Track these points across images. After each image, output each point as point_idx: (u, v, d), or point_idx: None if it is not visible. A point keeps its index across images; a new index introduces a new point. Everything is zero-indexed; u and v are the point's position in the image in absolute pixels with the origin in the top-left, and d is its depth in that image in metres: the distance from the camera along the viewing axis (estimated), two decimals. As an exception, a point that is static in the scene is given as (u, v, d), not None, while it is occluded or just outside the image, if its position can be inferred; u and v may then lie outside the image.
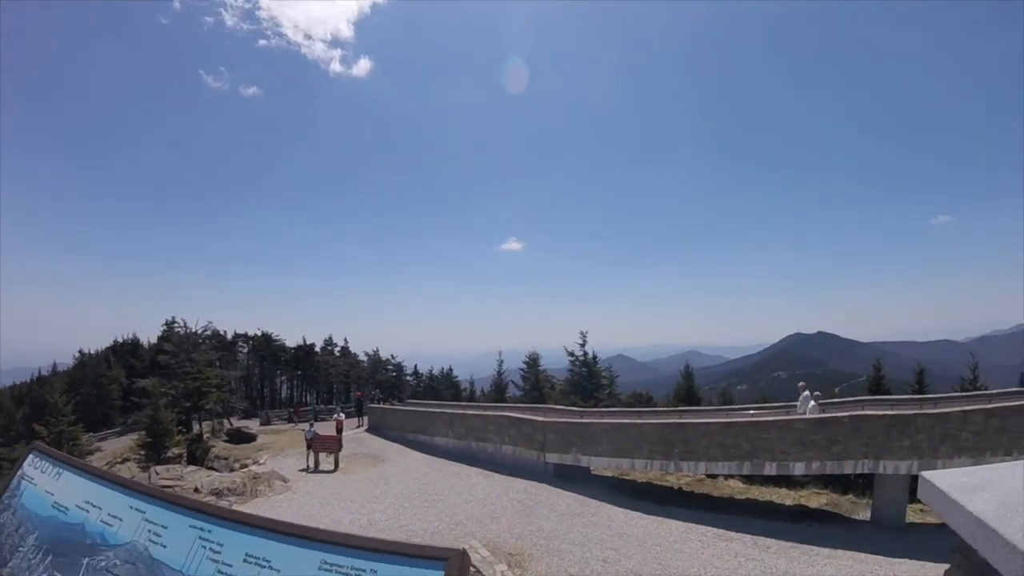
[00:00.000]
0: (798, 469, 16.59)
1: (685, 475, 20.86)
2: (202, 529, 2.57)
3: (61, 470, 3.26)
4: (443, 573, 2.06)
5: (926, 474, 2.35)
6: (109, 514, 2.87)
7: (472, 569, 10.86)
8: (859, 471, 16.51)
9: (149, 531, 2.69)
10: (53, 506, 3.10)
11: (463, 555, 2.10)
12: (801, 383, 21.60)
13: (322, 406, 57.54)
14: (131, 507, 2.82)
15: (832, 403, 22.75)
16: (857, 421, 15.87)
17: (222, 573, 2.43)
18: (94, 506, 2.95)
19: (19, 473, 3.40)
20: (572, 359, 39.80)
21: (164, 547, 2.61)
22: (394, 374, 68.25)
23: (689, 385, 38.22)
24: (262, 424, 47.94)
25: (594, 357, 39.68)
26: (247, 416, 55.01)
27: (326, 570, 2.20)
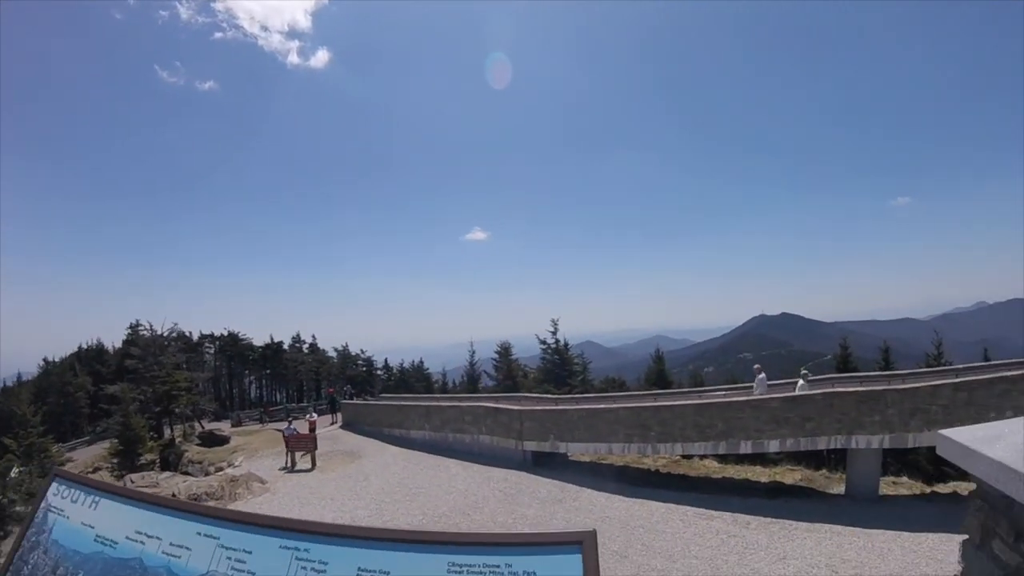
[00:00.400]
0: (773, 447, 16.86)
1: (662, 457, 21.11)
2: (296, 548, 2.25)
3: (98, 498, 2.80)
4: (581, 556, 1.97)
5: (945, 432, 2.62)
6: (172, 544, 2.47)
7: None
8: (832, 447, 16.85)
9: (229, 558, 2.33)
10: (97, 540, 2.65)
11: (594, 535, 2.03)
12: (756, 365, 22.30)
13: (294, 404, 57.23)
14: (199, 533, 2.45)
15: (820, 380, 23.11)
16: (829, 398, 16.15)
17: None
18: (150, 536, 2.53)
19: (43, 505, 2.91)
20: (544, 347, 39.96)
21: (254, 575, 2.28)
22: (364, 369, 67.95)
23: (660, 369, 38.65)
24: (233, 425, 47.50)
25: (565, 344, 39.87)
26: (217, 418, 54.40)
27: (456, 572, 2.04)
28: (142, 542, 2.56)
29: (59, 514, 2.85)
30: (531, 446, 20.51)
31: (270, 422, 46.45)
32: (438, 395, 42.16)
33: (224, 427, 46.29)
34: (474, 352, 47.91)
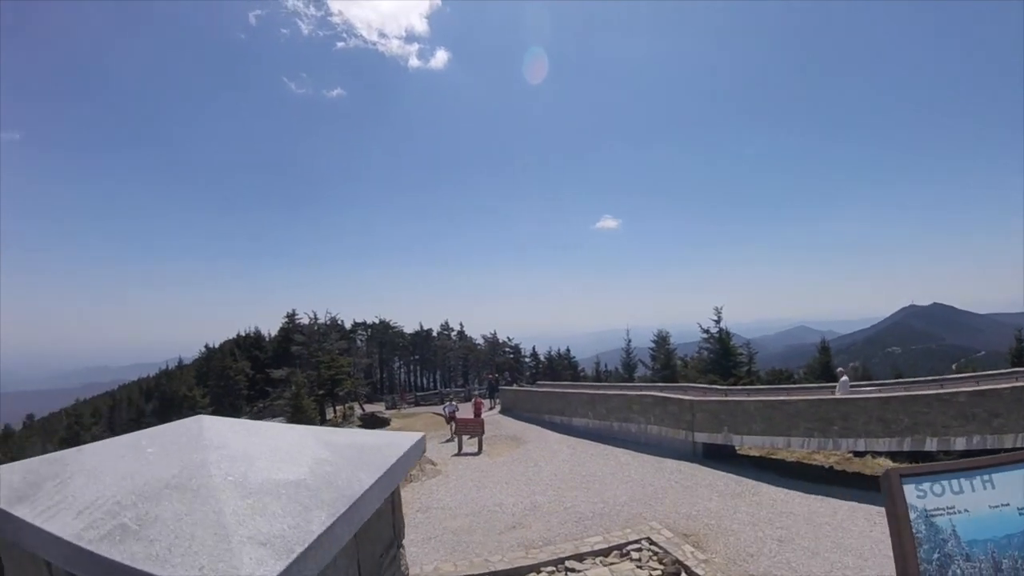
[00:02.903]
0: (959, 444, 16.18)
1: (833, 454, 20.58)
2: None
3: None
4: None
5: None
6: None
7: (659, 549, 11.49)
8: (1020, 444, 15.68)
9: None
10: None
11: None
12: (839, 368, 23.31)
13: (448, 389, 60.44)
14: None
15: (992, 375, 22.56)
16: (1018, 392, 15.34)
17: None
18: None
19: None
20: (706, 335, 39.84)
21: None
22: (512, 356, 70.52)
23: (826, 360, 37.78)
24: (388, 408, 51.03)
25: (727, 333, 39.61)
26: (369, 401, 58.24)
27: None
28: None
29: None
30: (703, 437, 20.66)
31: (403, 407, 49.68)
32: (602, 383, 42.54)
33: (377, 409, 49.92)
34: (630, 340, 48.17)
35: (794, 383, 33.69)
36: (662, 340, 44.06)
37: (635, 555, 11.52)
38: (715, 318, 39.81)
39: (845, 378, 22.56)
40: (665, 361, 42.54)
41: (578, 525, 13.84)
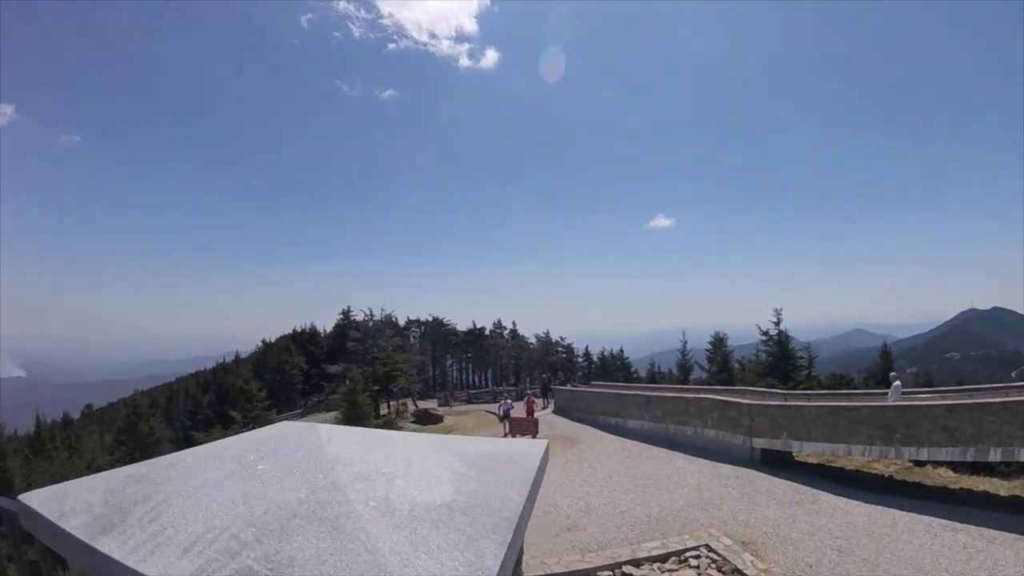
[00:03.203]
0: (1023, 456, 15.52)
1: (892, 463, 19.91)
2: None
3: None
4: None
5: None
6: None
7: (718, 557, 11.39)
8: None
9: None
10: None
11: None
12: (892, 373, 22.99)
13: (501, 388, 60.94)
14: None
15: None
16: None
17: None
18: None
19: None
20: (764, 338, 39.17)
21: None
22: (565, 356, 70.84)
23: (887, 366, 36.75)
24: (440, 405, 51.75)
25: (787, 336, 38.84)
26: (421, 397, 59.14)
27: None
28: None
29: None
30: (761, 443, 20.39)
31: (454, 405, 50.29)
32: (657, 385, 42.24)
33: (429, 406, 50.67)
34: (686, 342, 47.73)
35: (854, 388, 33.12)
36: (719, 342, 43.47)
37: (693, 562, 11.42)
38: (775, 320, 39.13)
39: (898, 383, 22.25)
40: (722, 363, 41.97)
41: (634, 529, 13.75)
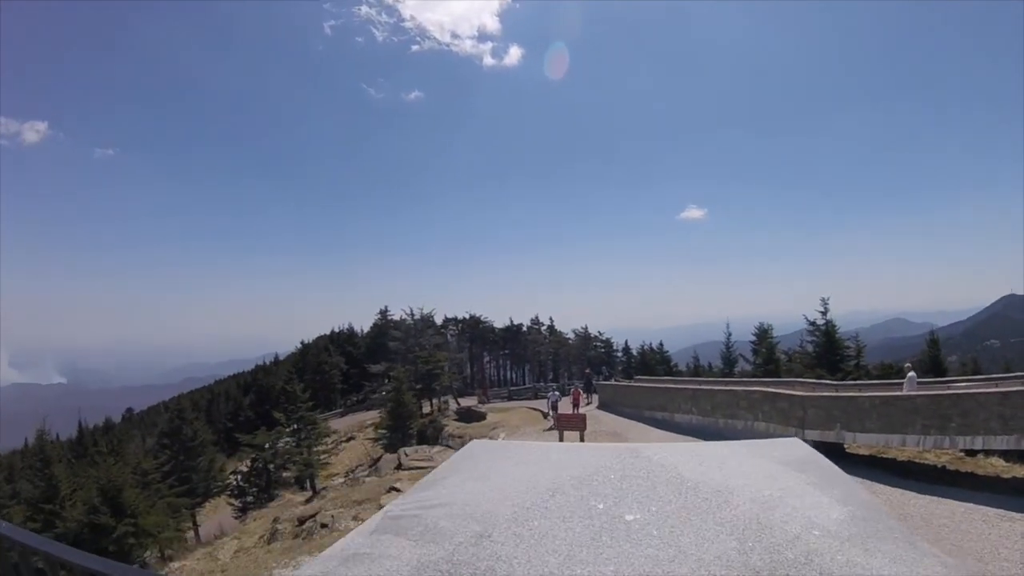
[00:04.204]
0: None
1: (945, 452, 20.02)
2: None
3: None
4: None
5: None
6: None
7: None
8: None
9: None
10: None
11: None
12: (908, 364, 23.15)
13: (541, 384, 61.34)
14: None
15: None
16: None
17: None
18: None
19: None
20: (811, 327, 38.61)
21: None
22: (603, 351, 71.00)
23: (934, 354, 36.43)
24: (479, 402, 52.25)
25: (834, 325, 38.01)
26: (460, 395, 59.76)
27: None
28: None
29: None
30: (814, 435, 20.00)
31: (487, 402, 50.76)
32: (704, 378, 41.89)
33: (468, 403, 51.27)
34: (730, 334, 47.36)
35: (902, 378, 32.74)
36: (763, 333, 43.11)
37: None
38: (821, 309, 38.48)
39: (912, 374, 22.31)
40: (767, 355, 41.51)
41: None
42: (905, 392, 19.89)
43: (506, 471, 3.01)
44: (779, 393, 22.37)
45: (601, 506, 2.33)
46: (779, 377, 33.62)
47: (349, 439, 46.54)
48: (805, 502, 2.36)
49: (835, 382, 28.90)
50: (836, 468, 2.76)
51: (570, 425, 25.37)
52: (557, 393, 28.65)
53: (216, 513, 36.80)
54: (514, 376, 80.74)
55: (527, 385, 64.31)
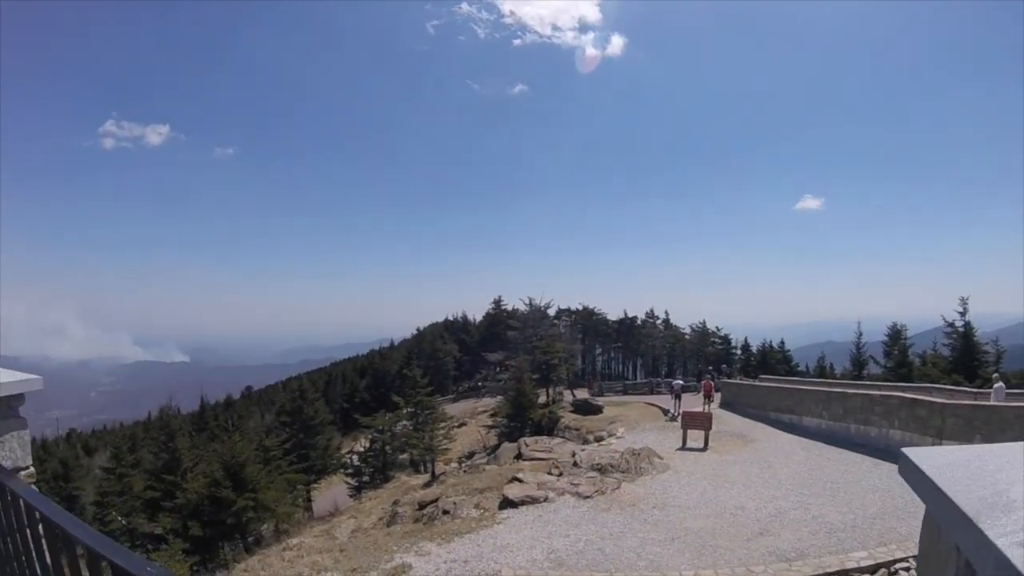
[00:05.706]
0: None
1: None
2: None
3: None
4: None
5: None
6: None
7: None
8: None
9: None
10: None
11: None
12: (996, 374, 23.24)
13: (658, 379, 61.37)
14: None
15: None
16: None
17: None
18: None
19: None
20: (949, 329, 37.19)
21: None
22: (722, 347, 70.18)
23: None
24: (592, 395, 52.78)
25: (972, 328, 36.64)
26: (572, 387, 60.37)
27: None
28: None
29: None
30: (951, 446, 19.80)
31: (595, 394, 51.11)
32: (834, 380, 41.00)
33: (580, 395, 51.88)
34: (861, 334, 45.65)
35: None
36: (896, 333, 41.59)
37: (904, 575, 11.08)
38: (960, 310, 36.98)
39: (999, 384, 22.19)
40: (900, 358, 39.97)
41: (830, 537, 13.38)
42: (992, 402, 19.66)
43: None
44: (919, 400, 21.62)
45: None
46: (911, 382, 32.51)
47: (461, 424, 47.83)
48: None
49: (974, 390, 27.43)
50: None
51: (695, 424, 25.05)
52: (680, 381, 28.89)
53: (329, 490, 38.10)
54: (624, 370, 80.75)
55: (643, 380, 64.40)
